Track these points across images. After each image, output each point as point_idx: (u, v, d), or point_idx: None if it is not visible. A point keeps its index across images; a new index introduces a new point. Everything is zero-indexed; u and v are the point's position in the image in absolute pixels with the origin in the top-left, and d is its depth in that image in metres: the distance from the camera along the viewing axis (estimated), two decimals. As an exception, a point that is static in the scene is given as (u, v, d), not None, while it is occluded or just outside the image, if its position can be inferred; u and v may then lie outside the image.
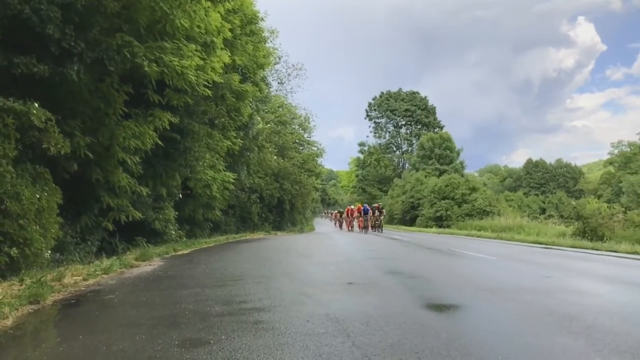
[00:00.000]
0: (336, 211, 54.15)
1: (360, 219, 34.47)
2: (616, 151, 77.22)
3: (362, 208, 34.70)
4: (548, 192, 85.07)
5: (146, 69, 10.83)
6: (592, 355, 3.88)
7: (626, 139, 77.52)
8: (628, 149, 74.21)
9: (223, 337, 4.38)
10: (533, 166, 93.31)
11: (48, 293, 6.71)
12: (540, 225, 27.96)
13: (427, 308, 5.79)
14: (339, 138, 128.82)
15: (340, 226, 45.06)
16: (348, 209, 42.28)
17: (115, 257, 11.03)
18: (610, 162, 79.97)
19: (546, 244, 17.37)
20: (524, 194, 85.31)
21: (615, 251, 13.91)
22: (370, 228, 33.36)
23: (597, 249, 14.73)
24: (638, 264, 10.98)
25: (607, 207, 23.94)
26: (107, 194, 12.20)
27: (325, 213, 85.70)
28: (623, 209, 22.55)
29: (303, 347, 4.02)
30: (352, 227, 38.66)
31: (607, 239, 17.21)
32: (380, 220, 33.46)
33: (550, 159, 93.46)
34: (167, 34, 11.85)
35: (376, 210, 33.60)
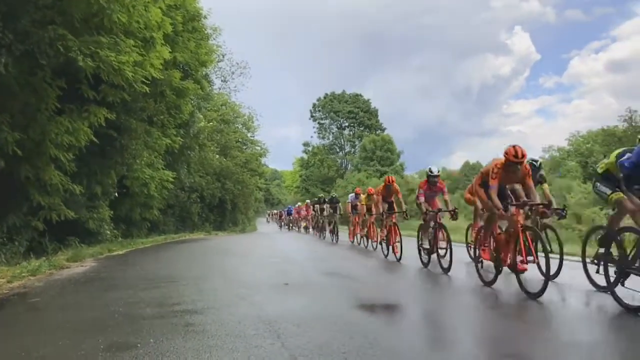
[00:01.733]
0: (301, 204, 36.17)
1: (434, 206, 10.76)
2: (547, 155, 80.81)
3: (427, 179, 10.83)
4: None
5: (81, 63, 10.47)
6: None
7: (556, 144, 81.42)
8: (557, 154, 78.09)
9: (151, 340, 4.32)
10: (470, 169, 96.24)
11: (-33, 296, 6.41)
12: (475, 227, 28.80)
13: (359, 309, 5.93)
14: (285, 138, 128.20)
15: (318, 231, 25.05)
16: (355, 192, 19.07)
17: (44, 258, 10.60)
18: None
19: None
20: (462, 195, 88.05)
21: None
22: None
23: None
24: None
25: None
26: (37, 192, 11.73)
27: (271, 215, 65.44)
28: (551, 211, 23.70)
29: (232, 349, 4.04)
30: (377, 238, 14.63)
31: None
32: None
33: (486, 162, 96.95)
34: (104, 28, 11.49)
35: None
